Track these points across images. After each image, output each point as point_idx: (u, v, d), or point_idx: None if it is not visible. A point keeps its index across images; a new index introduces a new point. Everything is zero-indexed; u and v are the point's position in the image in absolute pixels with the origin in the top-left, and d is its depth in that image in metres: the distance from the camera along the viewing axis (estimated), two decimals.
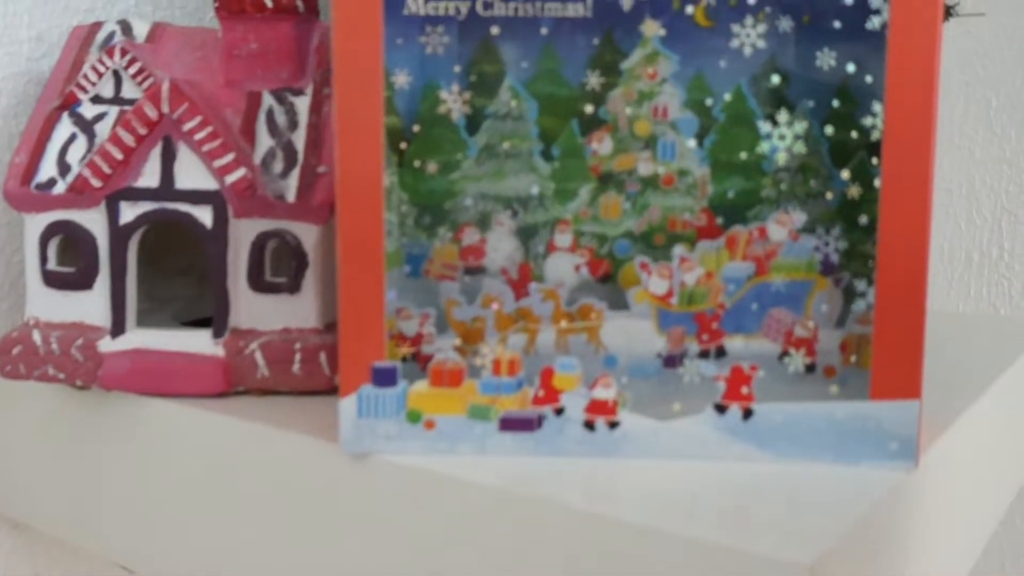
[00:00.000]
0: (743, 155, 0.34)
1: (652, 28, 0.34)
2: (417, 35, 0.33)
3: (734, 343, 0.34)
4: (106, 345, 0.43)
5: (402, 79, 0.33)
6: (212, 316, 0.43)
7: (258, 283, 0.43)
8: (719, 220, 0.35)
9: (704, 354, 0.34)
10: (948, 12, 0.50)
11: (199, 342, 0.43)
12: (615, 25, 0.34)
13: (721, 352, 0.34)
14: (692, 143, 0.34)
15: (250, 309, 0.43)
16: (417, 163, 0.34)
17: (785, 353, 0.34)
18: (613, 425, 0.34)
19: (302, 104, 0.44)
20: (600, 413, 0.34)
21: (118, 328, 0.43)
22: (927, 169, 0.32)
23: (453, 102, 0.34)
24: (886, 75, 0.32)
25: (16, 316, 0.52)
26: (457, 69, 0.34)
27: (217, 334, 0.43)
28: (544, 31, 0.33)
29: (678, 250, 0.34)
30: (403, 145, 0.34)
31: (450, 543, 0.33)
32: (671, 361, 0.34)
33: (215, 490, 0.41)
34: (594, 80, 0.34)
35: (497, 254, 0.35)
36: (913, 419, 0.33)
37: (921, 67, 0.31)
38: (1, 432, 0.50)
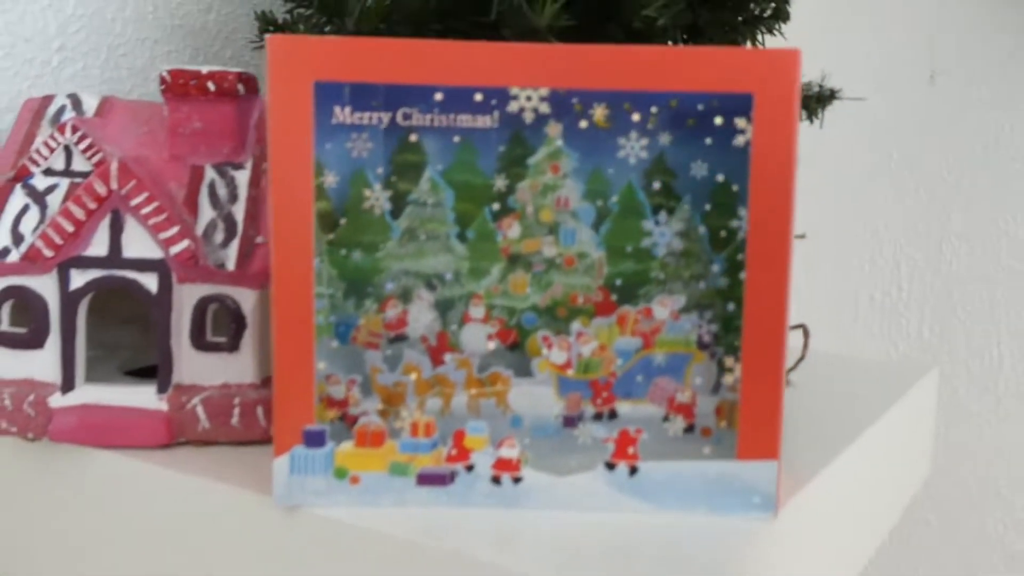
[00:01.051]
0: (633, 242, 0.39)
1: (555, 129, 0.39)
2: (344, 141, 0.38)
3: (624, 407, 0.39)
4: (56, 400, 0.46)
5: (331, 178, 0.38)
6: (154, 365, 0.46)
7: (200, 342, 0.46)
8: (614, 296, 0.39)
9: (598, 416, 0.39)
10: (832, 95, 0.56)
11: (144, 397, 0.46)
12: (522, 128, 0.38)
13: (613, 415, 0.39)
14: (589, 230, 0.39)
15: (192, 366, 0.47)
16: (344, 248, 0.38)
17: (667, 417, 0.39)
18: (517, 480, 0.39)
19: (242, 177, 0.48)
20: (506, 469, 0.39)
21: (67, 385, 0.46)
22: (785, 264, 0.37)
23: (375, 198, 0.38)
24: (749, 184, 0.37)
25: None
26: (380, 170, 0.38)
27: (161, 389, 0.46)
28: (457, 139, 0.38)
29: (576, 325, 0.39)
30: (333, 230, 0.38)
31: None
32: (569, 422, 0.39)
33: (157, 538, 0.45)
34: (503, 174, 0.39)
35: (418, 324, 0.39)
36: (772, 476, 0.38)
37: (780, 177, 0.37)
38: None
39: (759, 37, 0.53)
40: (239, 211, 0.47)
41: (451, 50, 0.38)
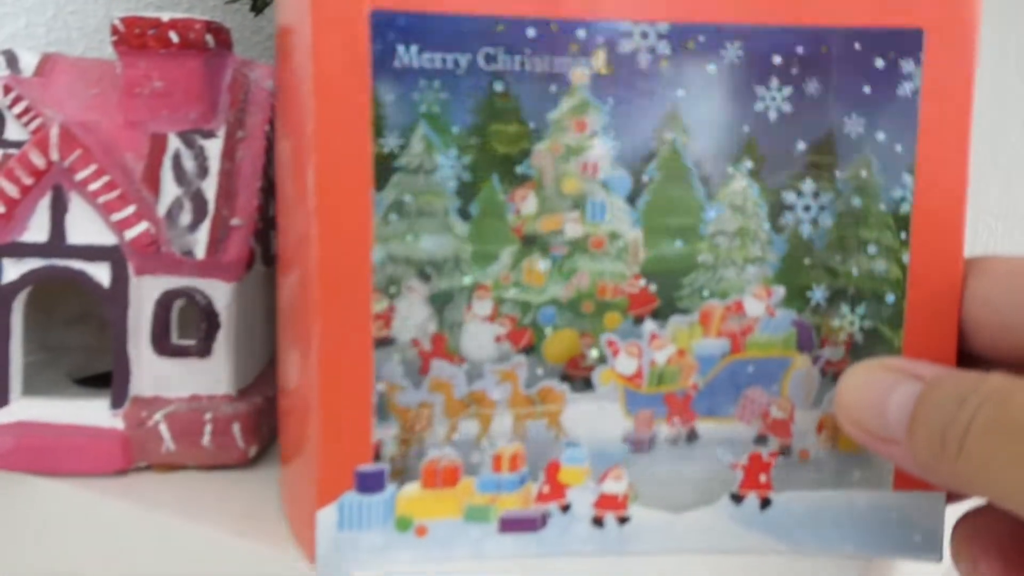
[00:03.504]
0: (684, 218, 0.31)
1: (580, 76, 0.31)
2: (410, 90, 0.30)
3: (705, 426, 0.32)
4: None
5: (392, 140, 0.30)
6: (110, 372, 0.38)
7: (163, 346, 0.39)
8: (652, 287, 0.32)
9: (674, 439, 0.32)
10: None
11: (95, 413, 0.38)
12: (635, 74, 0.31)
13: (693, 436, 0.32)
14: (623, 203, 0.32)
15: (154, 375, 0.39)
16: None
17: (760, 437, 0.32)
18: (623, 520, 0.31)
19: (213, 148, 0.40)
20: (610, 508, 0.31)
21: (1, 399, 0.38)
22: (959, 244, 0.30)
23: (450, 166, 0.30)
24: (917, 144, 0.30)
25: None
26: (455, 129, 0.30)
27: (116, 404, 0.38)
28: (553, 88, 0.30)
29: (649, 326, 0.31)
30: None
31: None
32: (639, 446, 0.32)
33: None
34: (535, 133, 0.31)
35: (407, 323, 0.31)
36: (938, 510, 0.31)
37: (954, 135, 0.30)
38: None
39: None
40: (210, 188, 0.39)
41: None
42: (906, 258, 0.31)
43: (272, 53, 0.52)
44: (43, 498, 0.38)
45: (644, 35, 0.30)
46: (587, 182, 0.31)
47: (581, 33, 0.30)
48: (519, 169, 0.31)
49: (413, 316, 0.31)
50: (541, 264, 0.31)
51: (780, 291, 0.32)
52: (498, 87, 0.30)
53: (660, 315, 0.32)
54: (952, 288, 0.31)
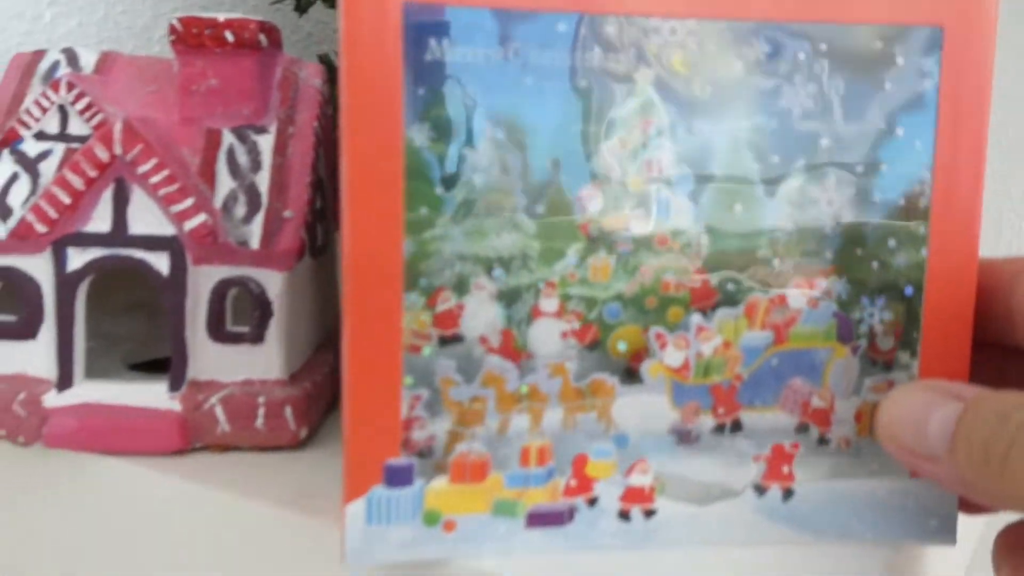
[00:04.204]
0: (744, 215, 0.33)
1: (646, 76, 0.32)
2: (441, 84, 0.30)
3: (749, 416, 0.33)
4: (52, 400, 0.40)
5: (422, 135, 0.31)
6: (164, 358, 0.40)
7: (218, 333, 0.40)
8: (714, 281, 0.33)
9: (719, 428, 0.33)
10: None
11: (154, 396, 0.40)
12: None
13: (737, 426, 0.33)
14: (687, 201, 0.33)
15: (209, 360, 0.40)
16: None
17: (802, 426, 0.33)
18: (649, 513, 0.32)
19: (265, 143, 0.41)
20: (636, 501, 0.32)
21: (65, 381, 0.40)
22: (974, 240, 0.31)
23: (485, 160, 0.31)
24: (935, 140, 0.31)
25: None
26: (486, 126, 0.31)
27: (174, 387, 0.40)
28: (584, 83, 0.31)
29: (696, 318, 0.32)
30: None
31: None
32: (684, 437, 0.33)
33: (170, 561, 0.38)
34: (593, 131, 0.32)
35: (476, 321, 0.32)
36: (953, 496, 0.32)
37: (971, 132, 0.31)
38: None
39: None
40: (263, 181, 0.41)
41: None
42: (924, 252, 0.32)
43: (311, 52, 0.53)
44: (106, 476, 0.40)
45: (673, 31, 0.32)
46: (652, 181, 0.32)
47: (610, 28, 0.31)
48: (586, 168, 0.32)
49: (482, 313, 0.32)
50: (607, 261, 0.32)
51: (823, 284, 0.33)
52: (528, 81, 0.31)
53: (720, 308, 0.33)
54: (967, 283, 0.32)
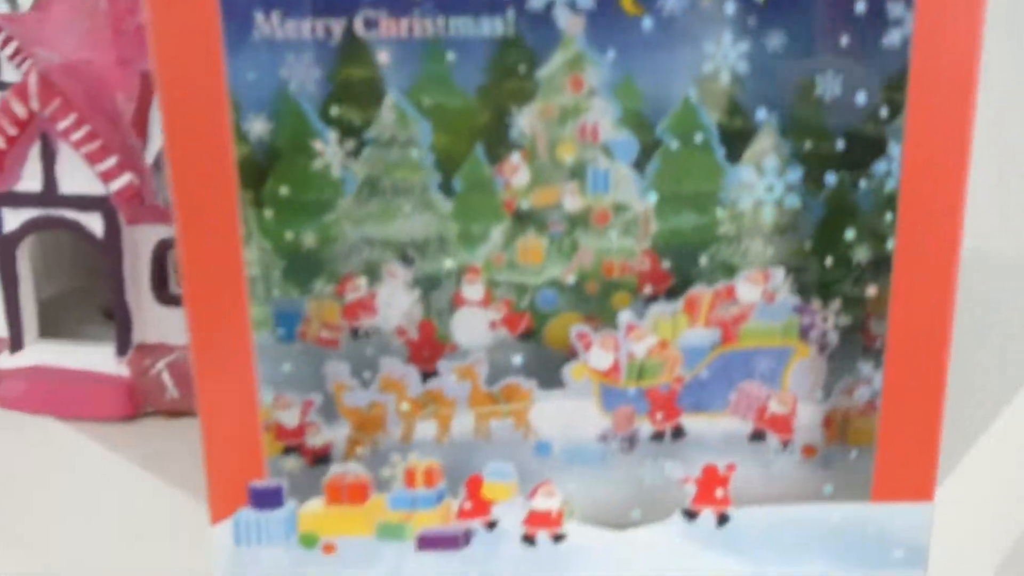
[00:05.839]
0: (702, 187, 0.28)
1: (575, 24, 0.27)
2: (272, 66, 0.26)
3: (695, 422, 0.29)
4: (3, 361, 0.39)
5: (258, 123, 0.27)
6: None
7: (163, 295, 0.38)
8: (665, 264, 0.28)
9: (658, 436, 0.29)
10: None
11: (102, 359, 0.38)
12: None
13: (678, 433, 0.29)
14: (629, 170, 0.28)
15: (156, 322, 0.38)
16: (278, 212, 0.28)
17: (756, 433, 0.28)
18: (558, 538, 0.28)
19: None
20: (542, 525, 0.28)
21: (16, 343, 0.39)
22: (957, 225, 0.24)
23: (322, 145, 0.27)
24: (907, 107, 0.24)
25: None
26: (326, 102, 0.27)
27: (120, 351, 0.38)
28: (451, 56, 0.26)
29: (625, 315, 0.28)
30: (258, 188, 0.28)
31: None
32: (619, 444, 0.29)
33: (117, 525, 0.38)
34: (493, 91, 0.27)
35: (391, 310, 0.29)
36: (925, 524, 0.27)
37: (953, 95, 0.24)
38: None
39: None
40: None
41: None
42: (891, 244, 0.25)
43: None
44: (55, 439, 0.39)
45: None
46: (586, 148, 0.28)
47: None
48: (506, 137, 0.27)
49: (396, 303, 0.28)
50: (537, 242, 0.28)
51: (779, 275, 0.27)
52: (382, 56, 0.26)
53: (677, 294, 0.28)
54: (947, 278, 0.25)
